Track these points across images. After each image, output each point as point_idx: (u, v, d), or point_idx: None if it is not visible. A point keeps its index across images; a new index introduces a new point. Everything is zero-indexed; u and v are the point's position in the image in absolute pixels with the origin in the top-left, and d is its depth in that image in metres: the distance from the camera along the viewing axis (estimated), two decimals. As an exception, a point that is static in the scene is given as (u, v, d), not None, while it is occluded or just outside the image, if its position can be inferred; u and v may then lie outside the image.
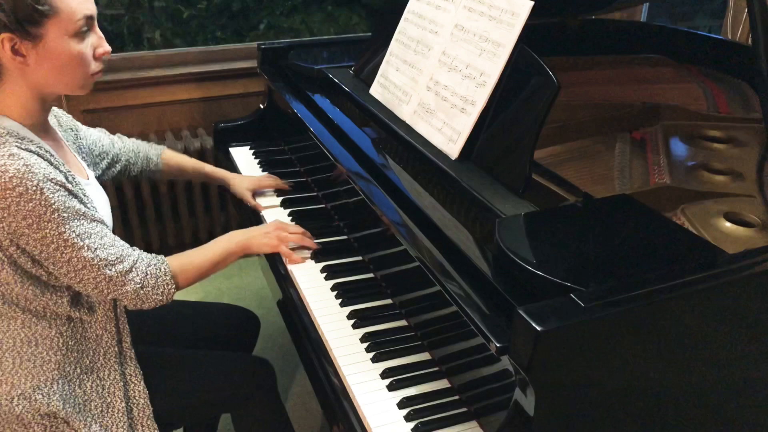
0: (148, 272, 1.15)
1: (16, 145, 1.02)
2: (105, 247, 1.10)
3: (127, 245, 1.16)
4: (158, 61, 2.51)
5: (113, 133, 1.54)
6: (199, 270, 1.25)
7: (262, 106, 2.05)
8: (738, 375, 0.98)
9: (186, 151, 2.49)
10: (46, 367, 1.14)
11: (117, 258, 1.11)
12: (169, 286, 1.18)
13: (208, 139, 2.54)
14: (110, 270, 1.10)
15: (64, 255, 1.05)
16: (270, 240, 1.37)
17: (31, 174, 1.00)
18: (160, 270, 1.17)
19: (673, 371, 0.90)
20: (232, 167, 1.90)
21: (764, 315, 0.94)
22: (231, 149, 1.98)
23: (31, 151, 1.03)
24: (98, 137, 1.43)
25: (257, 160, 1.91)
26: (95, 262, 1.08)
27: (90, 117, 2.41)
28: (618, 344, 0.84)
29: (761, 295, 0.92)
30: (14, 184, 0.98)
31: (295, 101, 1.72)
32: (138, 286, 1.13)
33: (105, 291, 1.12)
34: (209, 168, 1.68)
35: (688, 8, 3.47)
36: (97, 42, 1.11)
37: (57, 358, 1.15)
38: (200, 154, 2.53)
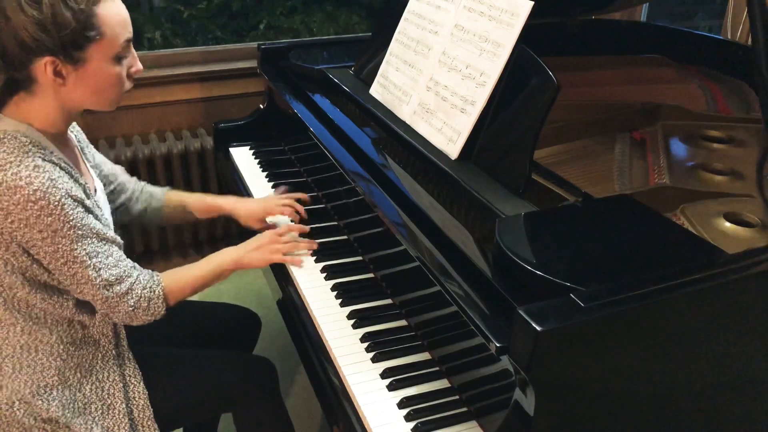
0: (143, 295, 1.17)
1: (40, 156, 1.04)
2: (109, 267, 1.12)
3: (130, 264, 1.18)
4: (158, 61, 2.51)
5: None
6: (191, 288, 1.27)
7: (262, 106, 2.05)
8: (738, 375, 0.98)
9: (186, 151, 2.49)
10: (46, 373, 1.14)
11: (117, 279, 1.13)
12: (160, 309, 1.20)
13: (208, 139, 2.54)
14: (108, 291, 1.12)
15: (71, 270, 1.08)
16: (262, 255, 1.36)
17: (54, 189, 1.01)
18: (154, 293, 1.19)
19: (673, 371, 0.90)
20: (232, 167, 1.90)
21: (764, 315, 0.94)
22: (231, 149, 1.98)
23: (53, 163, 1.05)
24: (104, 160, 1.41)
25: (257, 160, 1.91)
26: (97, 281, 1.10)
27: (90, 117, 2.40)
28: (618, 344, 0.84)
29: (761, 295, 0.92)
30: (37, 197, 1.00)
31: (295, 101, 1.72)
32: (130, 308, 1.16)
33: (99, 306, 1.15)
34: (211, 198, 1.58)
35: (688, 8, 3.47)
36: (131, 61, 1.13)
37: (57, 364, 1.15)
38: (200, 154, 2.53)
